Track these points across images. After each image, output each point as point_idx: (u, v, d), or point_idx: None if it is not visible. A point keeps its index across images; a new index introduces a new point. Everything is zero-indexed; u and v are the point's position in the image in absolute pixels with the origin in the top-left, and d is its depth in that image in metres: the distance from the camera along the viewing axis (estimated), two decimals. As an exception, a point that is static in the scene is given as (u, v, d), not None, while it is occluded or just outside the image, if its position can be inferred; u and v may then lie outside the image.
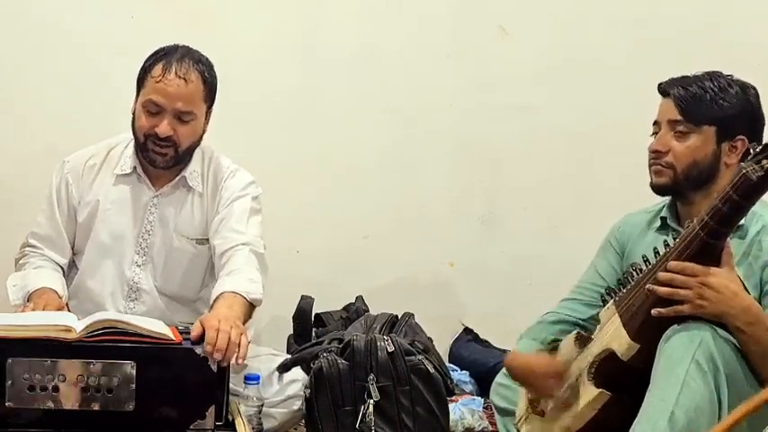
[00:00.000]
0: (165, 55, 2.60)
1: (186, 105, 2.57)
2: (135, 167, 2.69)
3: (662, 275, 2.02)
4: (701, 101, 2.25)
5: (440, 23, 3.59)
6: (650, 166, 2.31)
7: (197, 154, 2.72)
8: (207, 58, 2.67)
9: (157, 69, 2.57)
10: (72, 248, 2.75)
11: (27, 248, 2.74)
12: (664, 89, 2.32)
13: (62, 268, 2.74)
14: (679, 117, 2.25)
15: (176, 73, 2.56)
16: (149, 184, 2.70)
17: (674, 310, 2.00)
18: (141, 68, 2.63)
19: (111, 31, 3.27)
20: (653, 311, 2.02)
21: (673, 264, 2.01)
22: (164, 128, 2.56)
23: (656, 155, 2.29)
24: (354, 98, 3.57)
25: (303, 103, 3.55)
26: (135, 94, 2.64)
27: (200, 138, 2.68)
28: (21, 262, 2.74)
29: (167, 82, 2.55)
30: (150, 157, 2.62)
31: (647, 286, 2.04)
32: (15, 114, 3.42)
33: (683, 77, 2.31)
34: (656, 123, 2.33)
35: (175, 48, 2.63)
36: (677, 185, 2.28)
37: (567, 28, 3.60)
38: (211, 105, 2.68)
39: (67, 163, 2.74)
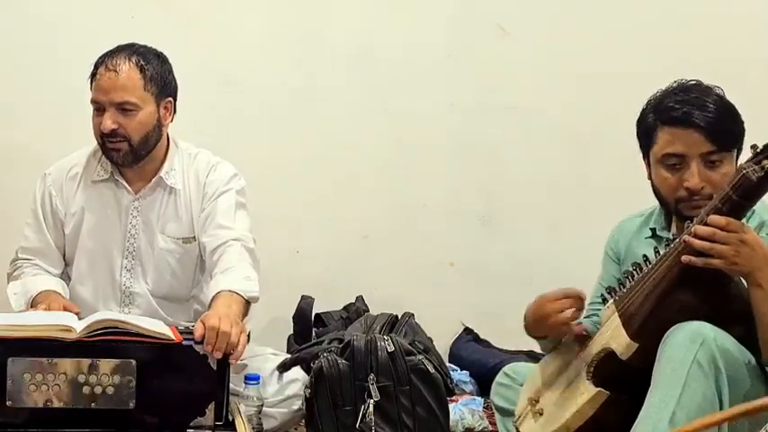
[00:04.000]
0: (101, 57, 2.60)
1: (121, 96, 2.54)
2: (112, 172, 2.67)
3: (701, 229, 1.96)
4: (723, 124, 2.14)
5: (440, 23, 3.60)
6: (683, 201, 2.15)
7: (173, 152, 2.69)
8: (150, 50, 2.62)
9: (95, 73, 2.59)
10: (64, 259, 2.72)
11: (19, 261, 2.71)
12: (686, 119, 2.13)
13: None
14: (712, 147, 2.12)
15: (107, 67, 2.56)
16: (128, 188, 2.67)
17: (705, 262, 1.97)
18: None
19: (112, 31, 3.27)
20: (683, 258, 1.98)
21: (715, 218, 1.96)
22: (105, 123, 2.54)
23: (698, 193, 2.12)
24: (354, 98, 3.57)
25: (303, 102, 3.55)
26: None
27: (159, 129, 2.62)
28: (14, 275, 2.70)
29: (99, 78, 2.56)
30: (110, 156, 2.61)
31: (683, 237, 1.99)
32: (15, 114, 3.42)
33: (686, 100, 2.15)
34: (676, 156, 2.15)
35: (116, 47, 2.62)
36: None
37: (567, 28, 3.61)
38: (165, 96, 2.62)
39: (49, 175, 2.71)
